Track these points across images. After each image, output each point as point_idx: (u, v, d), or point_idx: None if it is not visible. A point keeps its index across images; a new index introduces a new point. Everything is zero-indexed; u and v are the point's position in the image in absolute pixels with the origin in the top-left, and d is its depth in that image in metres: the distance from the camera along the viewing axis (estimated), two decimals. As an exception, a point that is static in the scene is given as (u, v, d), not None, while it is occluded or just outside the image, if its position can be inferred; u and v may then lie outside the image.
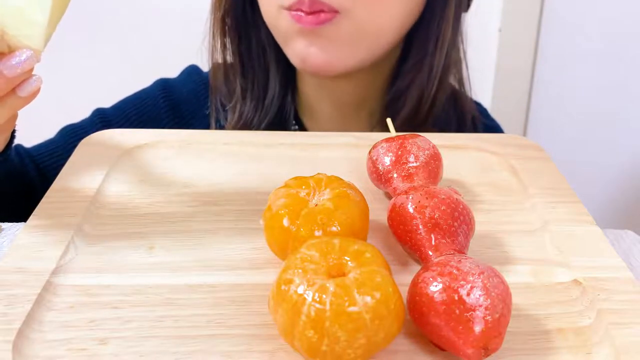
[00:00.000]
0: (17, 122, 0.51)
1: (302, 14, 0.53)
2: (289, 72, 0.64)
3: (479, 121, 0.67)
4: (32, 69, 0.36)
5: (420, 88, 0.61)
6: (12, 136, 0.52)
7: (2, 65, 0.34)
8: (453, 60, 0.63)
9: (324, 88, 0.64)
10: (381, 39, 0.57)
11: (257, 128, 0.63)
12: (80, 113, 0.69)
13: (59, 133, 0.66)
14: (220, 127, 0.65)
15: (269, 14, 0.57)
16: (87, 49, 1.27)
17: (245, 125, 0.63)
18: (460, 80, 0.66)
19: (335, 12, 0.53)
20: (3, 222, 0.43)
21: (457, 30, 0.62)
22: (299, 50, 0.56)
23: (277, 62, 0.62)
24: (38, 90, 0.37)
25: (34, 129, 0.69)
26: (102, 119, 0.67)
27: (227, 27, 0.62)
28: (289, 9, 0.54)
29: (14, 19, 0.34)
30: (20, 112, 0.50)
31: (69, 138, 0.65)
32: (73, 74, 1.29)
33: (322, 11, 0.53)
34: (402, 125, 0.61)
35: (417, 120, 0.62)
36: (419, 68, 0.60)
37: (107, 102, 0.70)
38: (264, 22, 0.60)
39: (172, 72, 0.73)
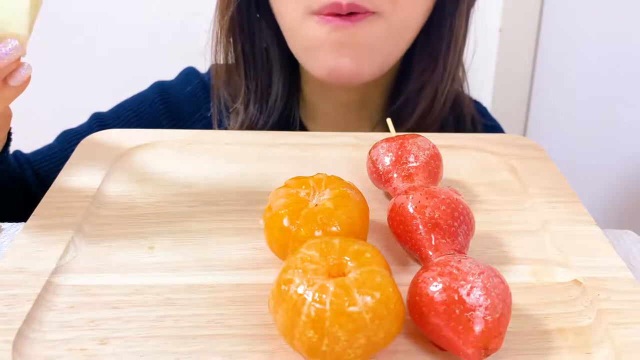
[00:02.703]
0: (15, 129, 0.51)
1: (336, 17, 0.51)
2: (292, 73, 0.64)
3: (478, 121, 0.67)
4: (19, 58, 0.36)
5: (434, 88, 0.60)
6: (9, 138, 0.52)
7: None
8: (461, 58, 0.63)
9: (327, 89, 0.64)
10: (405, 38, 0.57)
11: (262, 130, 0.63)
12: (79, 117, 0.69)
13: (57, 138, 0.66)
14: (223, 129, 0.65)
15: (293, 20, 0.55)
16: (84, 52, 1.28)
17: (250, 127, 0.63)
18: (458, 79, 0.65)
19: (369, 13, 0.52)
20: (3, 222, 0.43)
21: (468, 28, 0.61)
22: (328, 60, 0.54)
23: (281, 63, 0.62)
24: (29, 79, 0.37)
25: (31, 135, 0.69)
26: (100, 123, 0.66)
27: (232, 28, 0.61)
28: (320, 12, 0.52)
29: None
30: (19, 117, 0.50)
31: (67, 143, 0.65)
32: (71, 78, 1.29)
33: (358, 13, 0.52)
34: (413, 127, 0.61)
35: (427, 121, 0.62)
36: (433, 69, 0.60)
37: (105, 106, 0.70)
38: (268, 23, 0.60)
39: (170, 74, 0.73)
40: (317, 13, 0.52)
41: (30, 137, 0.66)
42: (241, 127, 0.63)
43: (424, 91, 0.61)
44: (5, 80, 0.37)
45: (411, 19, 0.56)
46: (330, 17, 0.52)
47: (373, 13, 0.52)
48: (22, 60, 0.37)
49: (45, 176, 0.63)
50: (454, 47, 0.59)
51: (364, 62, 0.55)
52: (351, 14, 0.52)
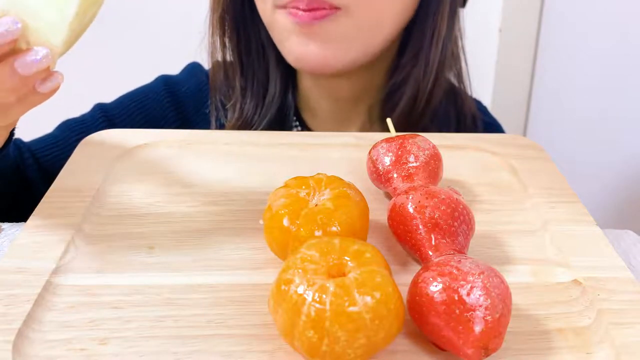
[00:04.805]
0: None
1: (300, 11, 0.53)
2: (289, 70, 0.64)
3: (479, 119, 0.67)
4: (48, 67, 0.36)
5: (416, 82, 0.61)
6: (12, 133, 0.52)
7: (17, 63, 0.34)
8: (450, 56, 0.63)
9: (321, 84, 0.64)
10: (378, 34, 0.57)
11: (258, 126, 0.63)
12: (76, 109, 0.68)
13: (58, 127, 0.66)
14: (220, 126, 0.65)
15: (265, 12, 0.57)
16: (84, 45, 1.27)
17: (246, 123, 0.63)
18: (460, 77, 0.66)
19: (336, 8, 0.53)
20: (3, 222, 0.43)
21: (453, 25, 0.62)
22: (295, 48, 0.56)
23: (277, 60, 0.62)
24: (58, 87, 0.37)
25: (29, 123, 0.68)
26: (104, 114, 0.66)
27: (225, 26, 0.62)
28: (285, 6, 0.54)
29: (40, 11, 0.34)
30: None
31: (70, 133, 0.64)
32: (70, 70, 1.29)
33: (321, 8, 0.53)
34: (400, 120, 0.61)
35: (414, 115, 0.62)
36: (414, 62, 0.61)
37: (101, 98, 0.69)
38: (262, 21, 0.60)
39: (170, 70, 0.72)
40: (283, 7, 0.54)
41: (27, 125, 0.65)
42: (237, 124, 0.63)
43: (405, 85, 0.61)
44: (33, 85, 0.37)
45: (381, 15, 0.56)
46: (294, 11, 0.53)
47: (337, 9, 0.53)
48: (55, 69, 0.37)
49: (47, 165, 0.62)
50: (436, 43, 0.60)
51: (330, 53, 0.56)
52: (313, 9, 0.53)
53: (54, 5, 0.34)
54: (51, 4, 0.34)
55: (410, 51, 0.61)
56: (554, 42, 1.16)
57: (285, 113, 0.64)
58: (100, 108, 0.67)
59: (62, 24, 0.35)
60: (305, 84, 0.65)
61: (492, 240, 0.39)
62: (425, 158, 0.41)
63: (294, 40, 0.56)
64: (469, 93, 0.67)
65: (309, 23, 0.53)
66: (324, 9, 0.53)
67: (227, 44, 0.63)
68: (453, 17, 0.61)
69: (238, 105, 0.63)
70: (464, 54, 0.65)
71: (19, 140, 0.63)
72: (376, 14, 0.56)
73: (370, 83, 0.64)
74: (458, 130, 0.65)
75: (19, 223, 0.42)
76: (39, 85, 0.36)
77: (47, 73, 0.36)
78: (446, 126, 0.65)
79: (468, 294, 0.29)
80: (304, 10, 0.53)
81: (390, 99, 0.63)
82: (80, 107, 0.69)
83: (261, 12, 0.58)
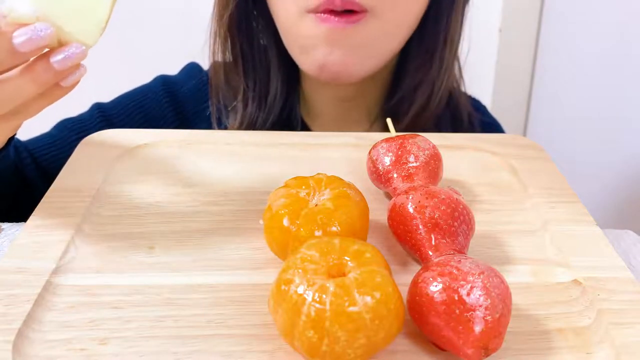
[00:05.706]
0: None
1: (332, 15, 0.52)
2: (291, 72, 0.64)
3: (475, 118, 0.67)
4: (79, 64, 0.36)
5: (430, 85, 0.61)
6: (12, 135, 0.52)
7: (53, 58, 0.35)
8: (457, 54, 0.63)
9: (324, 85, 0.64)
10: (397, 38, 0.57)
11: (262, 127, 0.63)
12: (74, 108, 0.68)
13: (56, 127, 0.65)
14: (223, 126, 0.65)
15: (289, 19, 0.56)
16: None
17: (250, 125, 0.63)
18: (454, 76, 0.66)
19: (365, 11, 0.53)
20: (3, 222, 0.43)
21: (463, 23, 0.62)
22: (319, 57, 0.55)
23: (279, 61, 0.62)
24: (79, 81, 0.37)
25: (26, 122, 0.68)
26: (102, 114, 0.66)
27: (230, 27, 0.61)
28: (316, 10, 0.52)
29: (74, 16, 0.35)
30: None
31: (68, 132, 0.64)
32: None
33: (353, 11, 0.52)
34: (410, 124, 0.61)
35: (424, 117, 0.62)
36: (429, 65, 0.60)
37: (100, 98, 0.69)
38: (266, 22, 0.60)
39: (169, 70, 0.72)
40: (313, 11, 0.53)
41: (23, 124, 0.65)
42: (241, 125, 0.63)
43: (420, 88, 0.61)
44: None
45: (407, 18, 0.56)
46: (326, 16, 0.52)
47: (366, 12, 0.53)
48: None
49: (45, 165, 0.62)
50: (450, 44, 0.60)
51: (354, 60, 0.56)
52: (347, 11, 0.52)
53: (88, 8, 0.35)
54: (85, 6, 0.35)
55: (423, 54, 0.60)
56: (554, 42, 1.16)
57: (288, 114, 0.64)
58: (98, 108, 0.67)
59: (98, 28, 0.35)
60: (309, 87, 0.65)
61: (492, 240, 0.39)
62: (425, 158, 0.41)
63: (320, 49, 0.55)
64: (463, 89, 0.67)
65: (342, 28, 0.52)
66: (355, 11, 0.52)
67: (229, 46, 0.63)
68: (464, 14, 0.61)
69: (241, 107, 0.63)
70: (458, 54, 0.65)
71: (16, 140, 0.63)
72: (400, 16, 0.55)
73: (371, 83, 0.64)
74: (454, 129, 0.65)
75: (19, 223, 0.42)
76: (63, 80, 0.36)
77: (76, 67, 0.36)
78: (443, 126, 0.65)
79: (468, 294, 0.29)
80: (338, 14, 0.52)
81: (401, 104, 0.62)
82: (78, 106, 0.68)
83: (282, 19, 0.57)
